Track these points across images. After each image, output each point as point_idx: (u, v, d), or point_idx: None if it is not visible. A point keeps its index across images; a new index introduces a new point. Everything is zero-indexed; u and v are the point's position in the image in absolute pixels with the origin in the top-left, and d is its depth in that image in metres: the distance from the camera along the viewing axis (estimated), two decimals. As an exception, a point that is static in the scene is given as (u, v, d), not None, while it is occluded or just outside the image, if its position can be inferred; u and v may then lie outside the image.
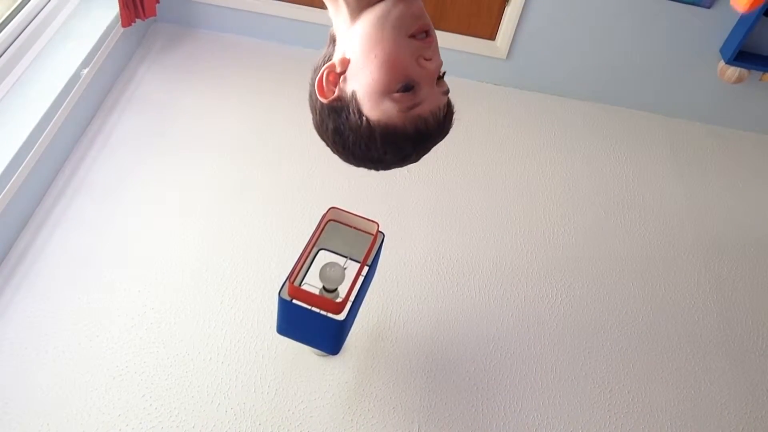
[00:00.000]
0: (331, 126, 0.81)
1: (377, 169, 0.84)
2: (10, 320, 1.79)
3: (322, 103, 0.80)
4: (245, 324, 1.87)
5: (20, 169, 1.88)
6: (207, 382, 1.74)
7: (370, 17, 0.77)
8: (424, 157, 0.84)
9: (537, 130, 2.67)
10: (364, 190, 2.29)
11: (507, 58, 2.73)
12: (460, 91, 2.86)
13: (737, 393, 1.94)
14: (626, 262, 2.23)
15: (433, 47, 0.78)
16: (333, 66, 0.79)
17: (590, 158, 2.60)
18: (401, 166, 0.83)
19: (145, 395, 1.69)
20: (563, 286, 2.12)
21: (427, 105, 0.77)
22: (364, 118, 0.77)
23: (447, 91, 0.80)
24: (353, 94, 0.78)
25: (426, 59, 0.76)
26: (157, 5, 2.57)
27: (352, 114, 0.78)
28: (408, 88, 0.76)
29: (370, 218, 1.60)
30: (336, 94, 0.79)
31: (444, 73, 0.80)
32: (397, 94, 0.75)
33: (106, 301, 1.87)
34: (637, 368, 1.95)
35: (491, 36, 2.67)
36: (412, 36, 0.76)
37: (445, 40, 2.61)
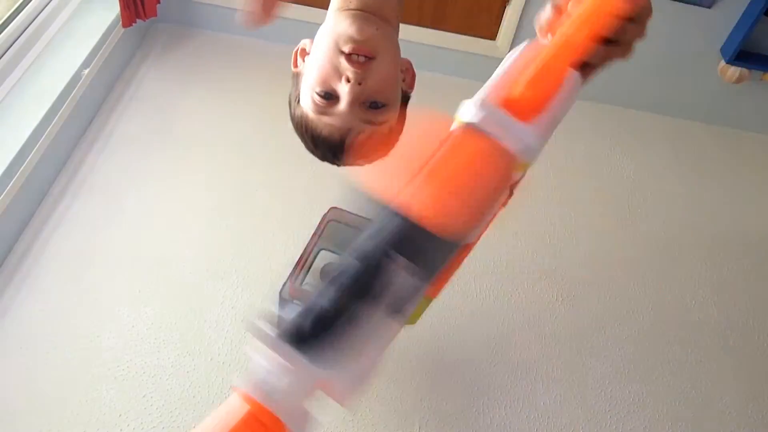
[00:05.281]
0: (290, 91, 0.91)
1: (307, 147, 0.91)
2: (12, 320, 1.79)
3: (292, 71, 0.91)
4: (246, 324, 1.87)
5: (21, 169, 1.88)
6: (208, 382, 1.74)
7: (330, 20, 0.83)
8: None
9: (537, 130, 2.66)
10: (365, 190, 2.29)
11: (507, 58, 2.72)
12: (460, 91, 2.87)
13: (737, 393, 1.94)
14: (626, 262, 2.22)
15: (367, 72, 0.79)
16: (306, 44, 0.89)
17: (590, 158, 2.60)
18: (315, 156, 0.90)
19: (145, 395, 1.70)
20: (563, 285, 2.12)
21: (336, 120, 0.82)
22: (297, 97, 0.87)
23: (371, 122, 0.82)
24: (300, 75, 0.87)
25: (348, 80, 0.79)
26: (157, 5, 2.57)
27: (295, 89, 0.89)
28: (328, 96, 0.81)
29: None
30: (298, 68, 0.89)
31: (383, 106, 0.82)
32: (317, 96, 0.82)
33: (107, 301, 1.87)
34: (637, 368, 1.95)
35: (491, 36, 2.67)
36: (345, 54, 0.79)
37: (445, 40, 2.60)
